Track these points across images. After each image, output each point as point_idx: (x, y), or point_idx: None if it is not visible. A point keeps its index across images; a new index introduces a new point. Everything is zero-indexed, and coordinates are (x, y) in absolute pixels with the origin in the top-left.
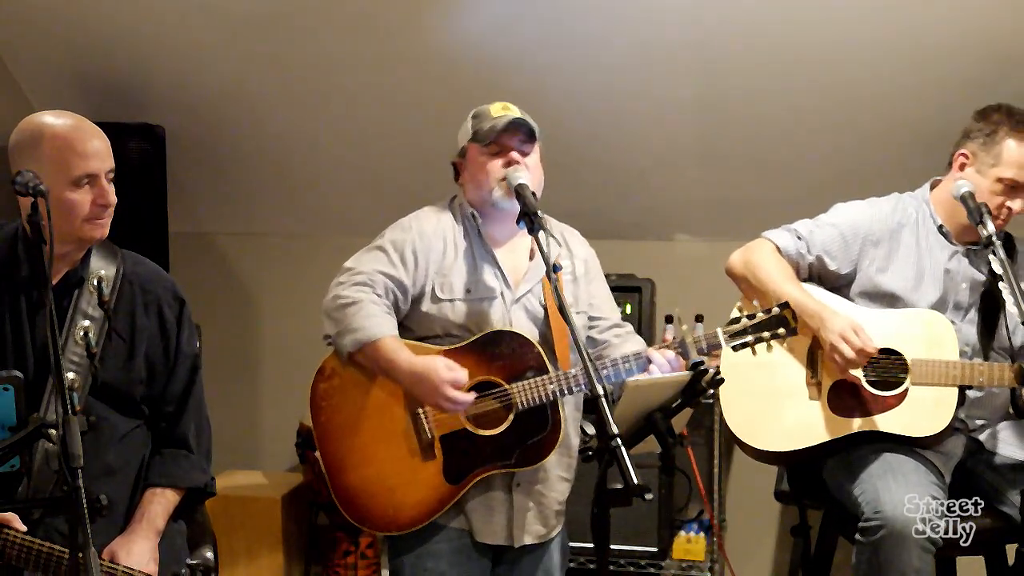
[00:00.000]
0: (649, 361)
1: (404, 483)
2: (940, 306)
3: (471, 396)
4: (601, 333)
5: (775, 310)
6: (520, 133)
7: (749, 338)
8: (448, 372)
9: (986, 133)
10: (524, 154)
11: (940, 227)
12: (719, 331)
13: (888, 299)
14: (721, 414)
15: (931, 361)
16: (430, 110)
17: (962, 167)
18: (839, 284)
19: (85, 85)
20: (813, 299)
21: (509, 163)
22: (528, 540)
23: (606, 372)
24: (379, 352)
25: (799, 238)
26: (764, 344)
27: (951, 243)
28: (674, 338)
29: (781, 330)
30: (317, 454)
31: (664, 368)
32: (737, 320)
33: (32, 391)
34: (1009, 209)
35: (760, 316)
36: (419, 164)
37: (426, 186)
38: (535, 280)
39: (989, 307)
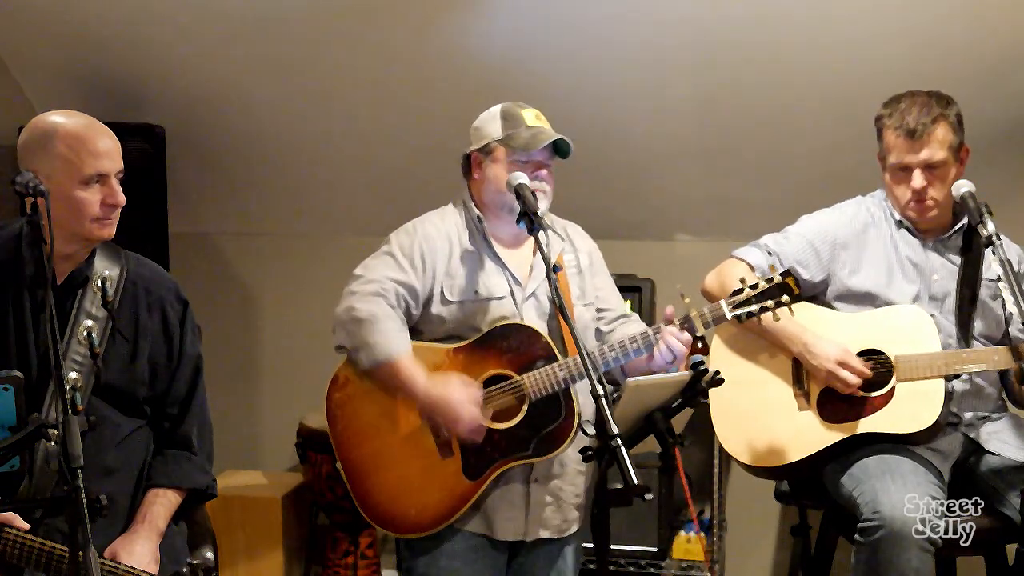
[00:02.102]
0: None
1: (425, 484)
2: (917, 300)
3: (484, 422)
4: (608, 324)
5: (776, 278)
6: (550, 148)
7: (753, 307)
8: (466, 409)
9: (877, 133)
10: (548, 166)
11: (900, 223)
12: (723, 303)
13: (865, 299)
14: None
15: (914, 355)
16: (431, 110)
17: (883, 169)
18: (815, 292)
19: (85, 85)
20: (792, 321)
21: (536, 174)
22: (544, 534)
23: (614, 354)
24: (396, 372)
25: (769, 253)
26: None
27: (916, 237)
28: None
29: (785, 297)
30: (337, 465)
31: (675, 347)
32: (740, 291)
33: (35, 390)
34: (919, 191)
35: (762, 285)
36: (420, 164)
37: (427, 186)
38: (542, 276)
39: (966, 295)
